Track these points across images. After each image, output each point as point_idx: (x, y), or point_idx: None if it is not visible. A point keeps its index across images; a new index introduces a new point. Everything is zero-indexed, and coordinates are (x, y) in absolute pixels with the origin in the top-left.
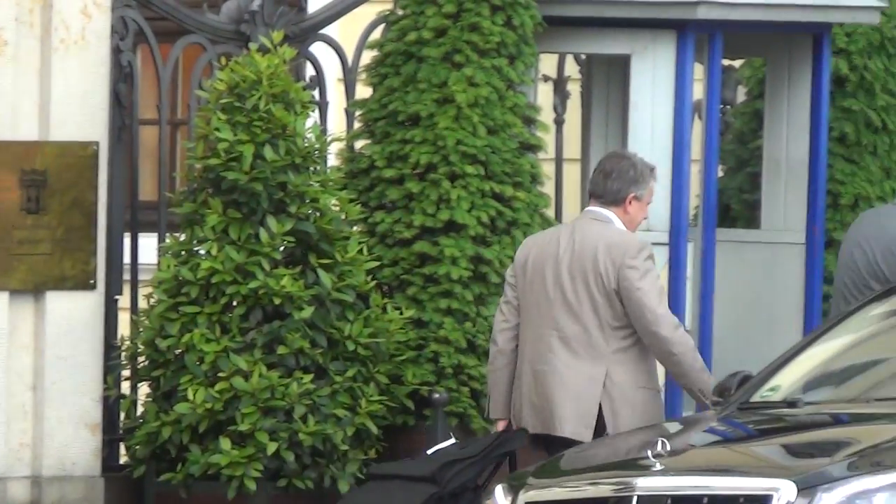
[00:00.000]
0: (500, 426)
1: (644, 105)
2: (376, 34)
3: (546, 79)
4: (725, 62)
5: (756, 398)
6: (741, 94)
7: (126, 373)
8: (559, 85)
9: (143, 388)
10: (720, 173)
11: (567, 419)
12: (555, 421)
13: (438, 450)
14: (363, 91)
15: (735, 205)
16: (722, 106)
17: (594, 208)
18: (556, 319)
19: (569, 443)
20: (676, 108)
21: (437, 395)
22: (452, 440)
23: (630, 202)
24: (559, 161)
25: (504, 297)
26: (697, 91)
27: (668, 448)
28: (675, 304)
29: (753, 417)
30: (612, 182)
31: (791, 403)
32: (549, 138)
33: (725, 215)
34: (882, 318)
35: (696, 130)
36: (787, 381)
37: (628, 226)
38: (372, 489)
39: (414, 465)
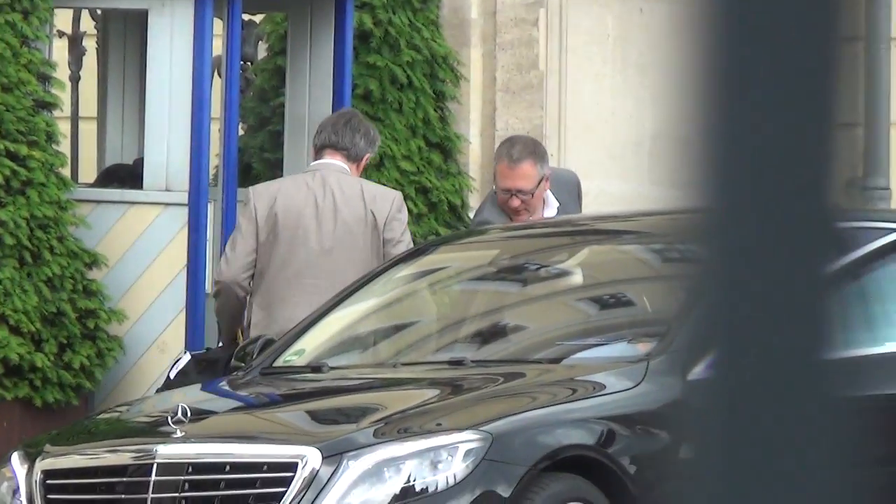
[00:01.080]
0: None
1: (162, 62)
2: None
3: (61, 34)
4: (246, 17)
5: (279, 363)
6: (263, 51)
7: None
8: (75, 41)
9: None
10: (241, 132)
11: None
12: None
13: (181, 370)
14: None
15: (256, 164)
16: (243, 63)
17: (338, 162)
18: (315, 270)
19: None
20: (195, 65)
21: None
22: (186, 355)
23: (363, 161)
24: (75, 119)
25: (236, 249)
26: (217, 47)
27: (189, 414)
28: (196, 265)
29: (277, 383)
30: (360, 138)
31: (316, 368)
32: (65, 96)
33: (247, 175)
34: (407, 280)
35: (217, 88)
36: (311, 344)
37: None
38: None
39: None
